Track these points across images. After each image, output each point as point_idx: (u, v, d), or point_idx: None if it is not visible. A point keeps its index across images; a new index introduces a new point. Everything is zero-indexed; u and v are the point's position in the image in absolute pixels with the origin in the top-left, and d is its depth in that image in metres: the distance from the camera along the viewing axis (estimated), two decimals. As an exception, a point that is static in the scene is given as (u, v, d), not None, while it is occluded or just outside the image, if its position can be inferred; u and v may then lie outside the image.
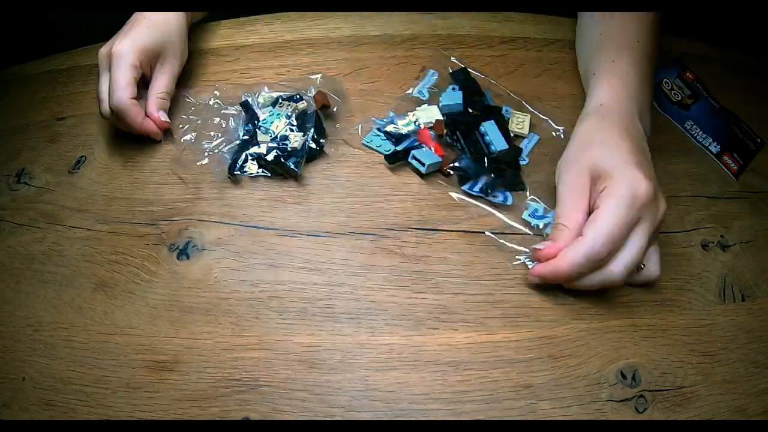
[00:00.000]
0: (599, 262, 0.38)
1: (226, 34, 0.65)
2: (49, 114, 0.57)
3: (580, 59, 0.59)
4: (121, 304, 0.43)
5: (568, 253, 0.39)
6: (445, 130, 0.50)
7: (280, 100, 0.53)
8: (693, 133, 0.55)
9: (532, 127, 0.53)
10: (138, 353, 0.40)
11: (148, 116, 0.50)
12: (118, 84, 0.48)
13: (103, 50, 0.50)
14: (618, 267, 0.39)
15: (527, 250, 0.44)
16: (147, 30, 0.51)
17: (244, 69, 0.60)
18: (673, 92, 0.58)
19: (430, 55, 0.60)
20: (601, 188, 0.40)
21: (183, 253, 0.45)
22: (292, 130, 0.50)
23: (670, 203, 0.50)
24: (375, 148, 0.51)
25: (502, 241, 0.46)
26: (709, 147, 0.54)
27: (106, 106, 0.49)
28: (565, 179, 0.43)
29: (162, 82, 0.52)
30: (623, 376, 0.40)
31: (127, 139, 0.53)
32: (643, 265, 0.41)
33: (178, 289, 0.43)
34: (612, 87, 0.47)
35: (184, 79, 0.59)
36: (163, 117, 0.51)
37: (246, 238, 0.46)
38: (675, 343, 0.42)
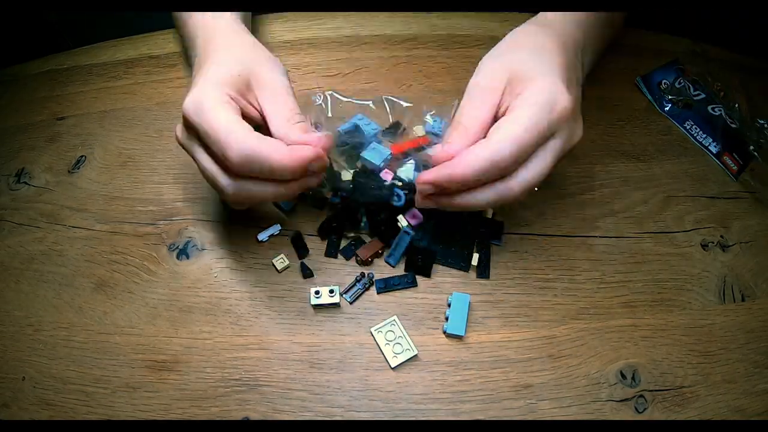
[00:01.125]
0: (502, 170, 0.33)
1: (226, 34, 0.65)
2: (48, 114, 0.57)
3: None
4: (120, 303, 0.43)
5: (468, 155, 0.33)
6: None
7: (380, 134, 0.47)
8: (693, 133, 0.55)
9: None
10: (138, 353, 0.40)
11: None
12: (217, 135, 0.33)
13: (178, 129, 0.38)
14: (518, 184, 0.34)
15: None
16: (211, 61, 0.39)
17: (244, 69, 0.60)
18: (672, 92, 0.58)
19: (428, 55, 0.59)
20: (517, 91, 0.35)
21: (183, 252, 0.45)
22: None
23: (670, 203, 0.50)
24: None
25: (501, 241, 0.47)
26: (709, 147, 0.54)
27: (224, 180, 0.35)
28: (478, 77, 0.37)
29: (281, 103, 0.37)
30: (623, 376, 0.40)
31: (127, 139, 0.53)
32: (537, 188, 0.36)
33: (178, 288, 0.43)
34: (561, 14, 0.42)
35: (184, 78, 0.59)
36: (319, 134, 0.36)
37: (246, 238, 0.46)
38: (675, 343, 0.42)
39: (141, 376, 0.39)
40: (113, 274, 0.44)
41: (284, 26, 0.65)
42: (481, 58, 0.39)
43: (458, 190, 0.35)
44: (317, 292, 0.41)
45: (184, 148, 0.38)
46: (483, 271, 0.44)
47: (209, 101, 0.35)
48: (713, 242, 0.48)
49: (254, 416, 0.38)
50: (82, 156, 0.53)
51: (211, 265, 0.45)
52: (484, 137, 0.34)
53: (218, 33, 0.43)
